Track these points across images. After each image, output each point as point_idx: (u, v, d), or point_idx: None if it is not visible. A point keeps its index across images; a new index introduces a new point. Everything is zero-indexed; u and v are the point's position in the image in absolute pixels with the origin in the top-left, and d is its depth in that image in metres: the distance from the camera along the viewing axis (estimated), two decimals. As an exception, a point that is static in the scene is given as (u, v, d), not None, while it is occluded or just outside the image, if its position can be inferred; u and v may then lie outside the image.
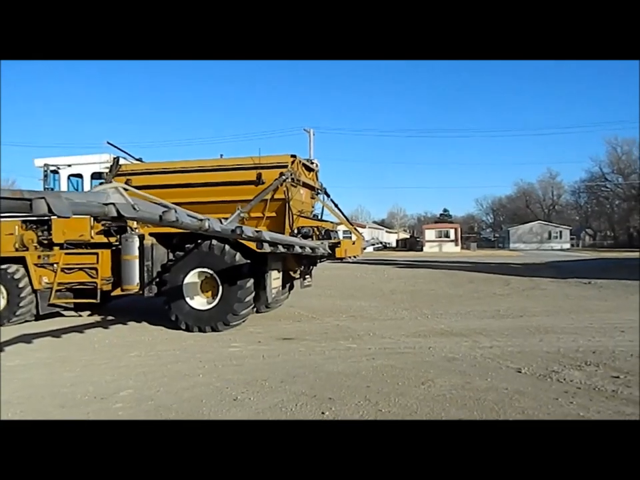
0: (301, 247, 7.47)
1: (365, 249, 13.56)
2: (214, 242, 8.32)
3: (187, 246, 8.58)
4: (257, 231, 6.00)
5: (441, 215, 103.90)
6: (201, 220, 4.44)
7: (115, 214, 3.28)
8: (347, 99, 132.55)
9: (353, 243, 9.72)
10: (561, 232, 65.94)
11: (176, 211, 3.91)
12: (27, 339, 7.75)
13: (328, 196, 10.96)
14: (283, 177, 8.37)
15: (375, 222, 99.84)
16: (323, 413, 4.35)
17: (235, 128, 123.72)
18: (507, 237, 69.21)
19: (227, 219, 5.75)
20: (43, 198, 2.72)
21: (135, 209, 3.41)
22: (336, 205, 11.21)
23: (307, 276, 10.11)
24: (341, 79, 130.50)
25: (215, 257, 8.37)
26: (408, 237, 76.82)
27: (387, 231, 78.68)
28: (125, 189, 3.49)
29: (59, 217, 2.88)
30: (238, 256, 8.29)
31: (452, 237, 53.11)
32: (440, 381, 5.25)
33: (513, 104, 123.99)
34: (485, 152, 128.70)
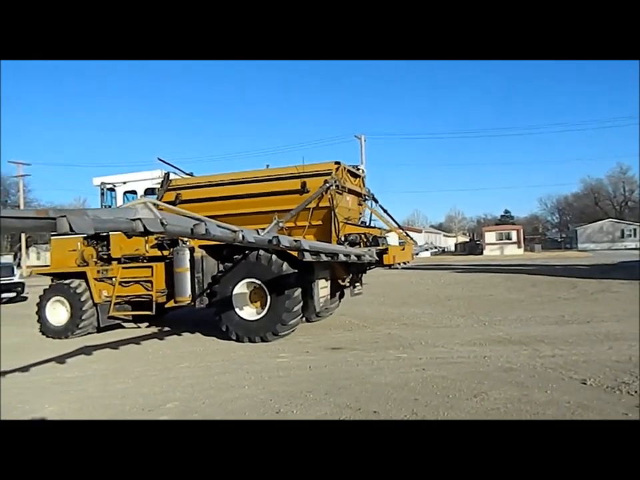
0: (345, 255, 7.32)
1: (417, 254, 13.21)
2: (261, 252, 8.33)
3: (235, 257, 8.65)
4: (295, 240, 5.92)
5: (502, 216, 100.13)
6: (235, 231, 4.41)
7: (142, 229, 3.29)
8: (399, 102, 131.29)
9: (403, 249, 9.47)
10: (635, 230, 61.62)
11: (206, 224, 3.88)
12: (87, 350, 8.07)
13: (376, 202, 10.80)
14: (327, 185, 8.30)
15: (432, 226, 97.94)
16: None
17: (284, 137, 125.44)
18: (575, 237, 65.62)
19: (258, 230, 5.69)
20: (65, 216, 2.76)
21: (162, 223, 3.41)
22: (385, 211, 11.00)
23: (357, 284, 9.95)
24: (395, 83, 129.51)
25: (262, 267, 8.38)
26: (467, 240, 74.69)
27: (444, 235, 76.89)
28: (156, 205, 3.49)
29: (79, 234, 2.91)
30: (285, 265, 8.26)
31: (514, 238, 51.04)
32: (494, 394, 4.91)
33: (574, 95, 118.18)
34: (547, 149, 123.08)
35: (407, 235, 11.62)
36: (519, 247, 50.35)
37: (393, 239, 11.40)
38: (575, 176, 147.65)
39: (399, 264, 9.27)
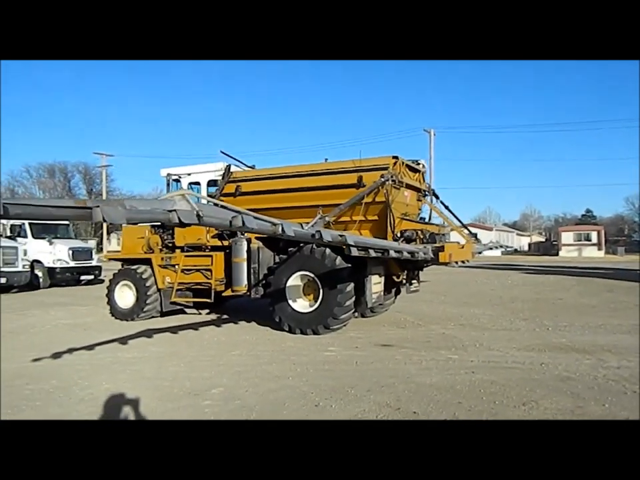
0: (397, 252, 7.16)
1: (480, 253, 12.68)
2: (314, 246, 8.37)
3: (289, 249, 8.75)
4: (340, 235, 5.86)
5: (582, 215, 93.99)
6: (275, 224, 4.44)
7: (177, 221, 3.38)
8: (475, 96, 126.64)
9: (462, 247, 9.12)
10: None
11: (243, 217, 3.93)
12: (148, 333, 8.50)
13: (437, 198, 10.57)
14: (382, 179, 8.19)
15: (505, 224, 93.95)
16: (402, 428, 4.09)
17: (356, 131, 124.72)
18: (664, 240, 60.44)
19: (302, 224, 5.67)
20: (99, 206, 2.89)
21: (199, 215, 3.49)
22: (447, 207, 10.68)
23: (414, 281, 9.73)
24: (472, 80, 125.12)
25: (316, 261, 8.41)
26: (542, 240, 71.03)
27: (517, 234, 73.54)
28: (195, 197, 3.58)
29: (111, 223, 3.04)
30: (338, 260, 8.23)
31: (594, 240, 47.86)
32: (545, 403, 4.64)
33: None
34: (635, 144, 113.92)
35: (471, 233, 11.23)
36: (600, 249, 47.11)
37: (456, 236, 11.00)
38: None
39: (457, 262, 8.98)
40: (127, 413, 4.62)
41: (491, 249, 14.03)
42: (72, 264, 17.86)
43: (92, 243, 58.97)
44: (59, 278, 17.61)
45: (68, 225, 19.79)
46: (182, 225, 3.45)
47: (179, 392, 5.21)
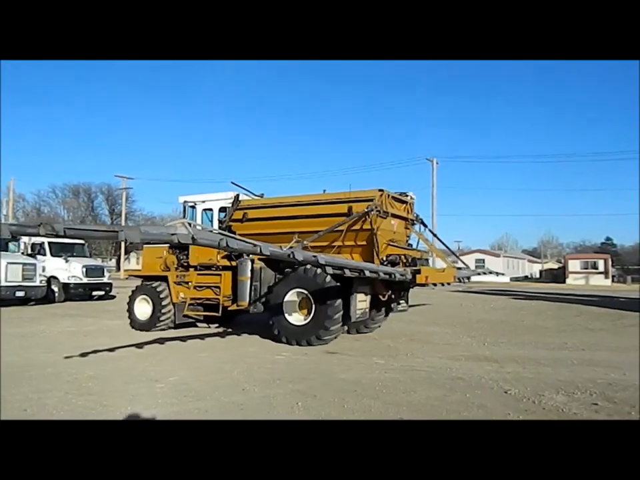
0: (372, 272, 8.34)
1: (468, 278, 13.67)
2: (308, 266, 9.30)
3: (286, 270, 9.93)
4: (314, 256, 7.14)
5: (602, 243, 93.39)
6: (255, 245, 5.88)
7: (177, 242, 4.85)
8: (495, 125, 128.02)
9: (443, 271, 10.20)
10: None
11: (227, 239, 5.40)
12: (161, 340, 9.89)
13: (425, 226, 11.68)
14: (366, 210, 9.36)
15: (524, 251, 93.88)
16: (297, 404, 5.41)
17: (364, 159, 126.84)
18: (678, 270, 59.99)
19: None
20: (123, 230, 4.41)
21: (193, 238, 4.96)
22: (435, 235, 11.89)
23: (402, 301, 10.79)
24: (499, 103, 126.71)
25: (308, 279, 9.55)
26: (555, 267, 70.99)
27: (529, 261, 73.62)
28: (190, 224, 5.18)
29: (131, 243, 4.54)
30: (328, 278, 9.17)
31: (600, 268, 48.12)
32: (420, 391, 5.92)
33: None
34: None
35: (458, 258, 12.21)
36: (606, 277, 47.35)
37: (444, 262, 11.72)
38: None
39: (435, 284, 10.12)
40: (100, 389, 6.03)
41: (478, 274, 15.06)
42: (85, 280, 19.62)
43: (112, 262, 61.19)
44: (73, 293, 19.36)
45: (84, 244, 21.64)
46: (181, 245, 4.95)
47: (142, 378, 6.62)
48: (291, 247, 7.14)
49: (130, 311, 11.81)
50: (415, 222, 11.38)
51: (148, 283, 11.89)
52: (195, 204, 12.10)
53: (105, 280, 20.65)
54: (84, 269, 19.64)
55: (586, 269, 48.86)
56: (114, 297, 21.27)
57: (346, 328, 10.48)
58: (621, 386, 6.28)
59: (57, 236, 4.30)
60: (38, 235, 4.22)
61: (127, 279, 45.29)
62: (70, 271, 19.34)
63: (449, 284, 10.69)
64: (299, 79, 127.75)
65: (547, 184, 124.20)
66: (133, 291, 12.04)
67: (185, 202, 12.05)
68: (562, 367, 7.55)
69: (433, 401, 5.54)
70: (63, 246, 20.07)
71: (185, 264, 11.57)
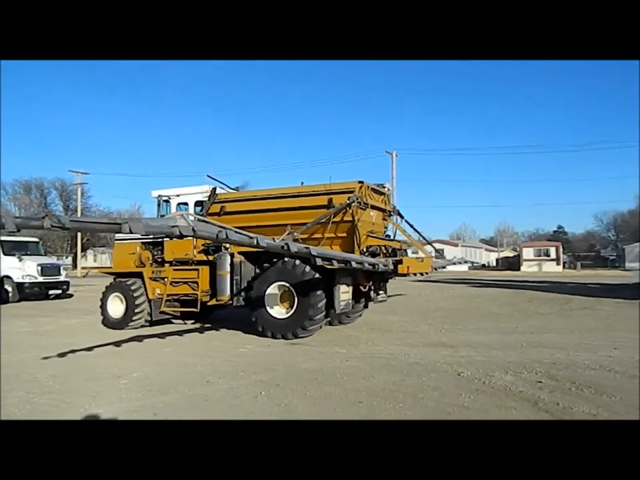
0: (358, 263, 8.44)
1: (443, 267, 13.92)
2: (286, 259, 9.46)
3: (265, 265, 9.95)
4: (306, 247, 7.20)
5: (554, 231, 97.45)
6: (252, 237, 5.92)
7: (178, 233, 4.85)
8: (452, 118, 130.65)
9: (422, 261, 10.20)
10: (688, 250, 58.80)
11: (226, 231, 5.42)
12: (139, 338, 9.70)
13: (402, 217, 11.76)
14: (348, 201, 9.48)
15: (482, 240, 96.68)
16: (260, 393, 5.57)
17: (323, 152, 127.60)
18: (623, 256, 63.32)
19: (274, 238, 6.88)
20: (127, 222, 4.39)
21: (194, 230, 4.98)
22: (411, 226, 11.94)
23: (381, 292, 10.96)
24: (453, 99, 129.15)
25: (288, 271, 9.56)
26: (511, 255, 73.54)
27: (485, 250, 75.96)
28: (190, 216, 5.19)
29: (138, 239, 4.49)
30: (307, 268, 9.28)
31: (552, 255, 50.23)
32: (380, 378, 6.19)
33: (627, 112, 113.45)
34: (603, 165, 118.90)
35: (435, 249, 12.36)
36: (558, 264, 49.48)
37: (422, 252, 11.92)
38: (632, 192, 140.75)
39: (415, 274, 10.14)
40: (62, 387, 6.01)
41: (454, 263, 15.37)
42: (40, 279, 19.03)
43: (68, 260, 59.33)
44: (28, 292, 18.74)
45: (38, 242, 21.00)
46: (182, 236, 4.89)
47: (104, 375, 6.63)
48: (282, 239, 7.14)
49: (103, 309, 11.49)
50: (392, 213, 11.51)
51: (122, 280, 11.55)
52: (170, 198, 11.84)
53: (62, 278, 20.08)
54: (39, 268, 19.05)
55: (539, 256, 50.90)
56: (71, 295, 20.79)
57: (328, 320, 10.56)
58: (564, 365, 6.76)
59: (63, 228, 4.24)
60: (42, 227, 4.13)
61: (84, 276, 44.15)
62: (24, 269, 18.71)
63: (427, 273, 10.73)
64: (246, 74, 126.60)
65: (502, 175, 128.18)
66: (106, 288, 11.66)
67: (160, 196, 11.77)
68: (512, 349, 8.00)
69: (391, 386, 5.81)
70: (15, 244, 19.40)
71: (160, 259, 11.42)
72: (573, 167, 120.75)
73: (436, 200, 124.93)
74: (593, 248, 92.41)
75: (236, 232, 5.78)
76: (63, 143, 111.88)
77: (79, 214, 50.85)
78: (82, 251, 54.86)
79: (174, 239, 5.95)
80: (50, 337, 10.06)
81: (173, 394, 5.68)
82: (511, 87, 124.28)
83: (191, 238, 9.78)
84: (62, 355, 8.05)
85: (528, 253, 51.80)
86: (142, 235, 5.38)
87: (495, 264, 67.95)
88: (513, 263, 58.63)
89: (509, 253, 75.94)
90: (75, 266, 54.38)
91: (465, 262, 19.22)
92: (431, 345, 8.62)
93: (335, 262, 8.04)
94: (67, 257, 62.51)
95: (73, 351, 8.25)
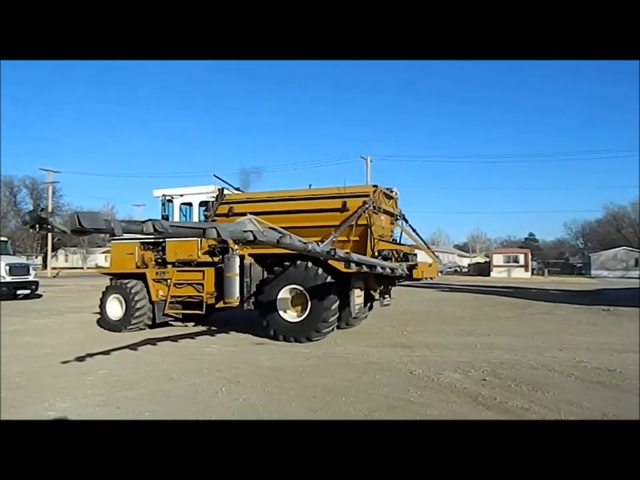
0: (382, 268, 8.58)
1: (441, 272, 14.28)
2: (299, 261, 9.48)
3: (275, 268, 9.86)
4: (346, 253, 7.40)
5: (526, 239, 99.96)
6: (305, 243, 6.07)
7: (252, 238, 4.87)
8: (428, 125, 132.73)
9: (430, 266, 10.49)
10: (650, 258, 61.07)
11: (290, 237, 5.56)
12: (110, 337, 9.86)
13: (406, 221, 11.82)
14: (366, 205, 9.50)
15: (456, 246, 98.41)
16: (221, 389, 5.87)
17: (307, 155, 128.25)
18: (589, 264, 65.36)
19: (318, 242, 7.07)
20: (214, 227, 4.49)
21: (264, 234, 5.04)
22: (414, 230, 11.96)
23: (387, 295, 11.05)
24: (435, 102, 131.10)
25: (302, 274, 9.52)
26: (482, 261, 75.12)
27: (458, 255, 77.43)
28: (256, 220, 5.16)
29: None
30: (320, 271, 9.33)
31: (521, 262, 51.59)
32: (337, 375, 6.56)
33: (602, 125, 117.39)
34: (575, 175, 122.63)
35: (433, 253, 12.52)
36: (526, 270, 50.86)
37: (420, 256, 12.27)
38: (600, 202, 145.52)
39: (426, 278, 10.42)
40: (29, 384, 6.20)
41: (450, 268, 15.73)
42: (9, 279, 18.84)
43: (38, 260, 58.19)
44: (-5, 292, 18.54)
45: (7, 241, 20.77)
46: (254, 241, 4.93)
47: (71, 372, 6.83)
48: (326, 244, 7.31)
49: (102, 310, 11.20)
50: (398, 217, 11.58)
51: (122, 281, 11.24)
52: (173, 198, 11.65)
53: (31, 278, 19.90)
54: (7, 267, 18.85)
55: (508, 262, 52.21)
56: (40, 295, 20.59)
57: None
58: (510, 364, 7.24)
59: (160, 233, 4.21)
60: (142, 232, 4.15)
61: (54, 277, 43.52)
62: (-8, 269, 18.53)
63: (432, 278, 11.07)
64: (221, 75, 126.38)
65: (477, 183, 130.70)
66: (105, 289, 11.42)
67: (163, 196, 11.47)
68: (465, 350, 8.47)
69: (346, 383, 6.18)
70: (-16, 244, 19.21)
71: (161, 260, 11.30)
72: (545, 176, 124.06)
73: (412, 206, 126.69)
74: (562, 255, 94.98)
75: (291, 237, 5.70)
76: (33, 141, 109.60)
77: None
78: (52, 250, 53.89)
79: (205, 239, 5.82)
80: (19, 337, 10.12)
81: (136, 389, 5.94)
82: (490, 95, 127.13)
83: (195, 239, 10.09)
84: (29, 353, 8.20)
85: (498, 259, 53.07)
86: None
87: (466, 269, 69.32)
88: (484, 269, 59.90)
89: (480, 259, 77.56)
90: (45, 266, 53.45)
91: (459, 267, 19.72)
92: (391, 345, 9.03)
93: (364, 266, 8.10)
94: (36, 257, 61.36)
95: (40, 351, 8.39)
